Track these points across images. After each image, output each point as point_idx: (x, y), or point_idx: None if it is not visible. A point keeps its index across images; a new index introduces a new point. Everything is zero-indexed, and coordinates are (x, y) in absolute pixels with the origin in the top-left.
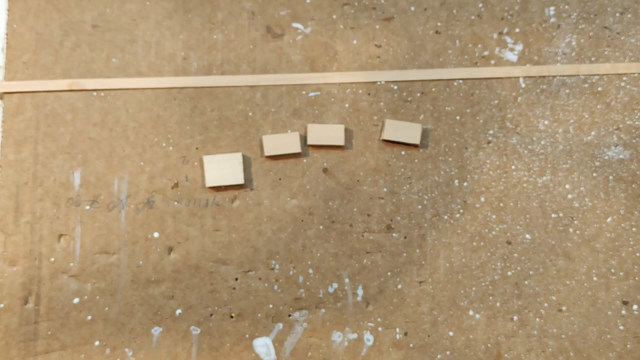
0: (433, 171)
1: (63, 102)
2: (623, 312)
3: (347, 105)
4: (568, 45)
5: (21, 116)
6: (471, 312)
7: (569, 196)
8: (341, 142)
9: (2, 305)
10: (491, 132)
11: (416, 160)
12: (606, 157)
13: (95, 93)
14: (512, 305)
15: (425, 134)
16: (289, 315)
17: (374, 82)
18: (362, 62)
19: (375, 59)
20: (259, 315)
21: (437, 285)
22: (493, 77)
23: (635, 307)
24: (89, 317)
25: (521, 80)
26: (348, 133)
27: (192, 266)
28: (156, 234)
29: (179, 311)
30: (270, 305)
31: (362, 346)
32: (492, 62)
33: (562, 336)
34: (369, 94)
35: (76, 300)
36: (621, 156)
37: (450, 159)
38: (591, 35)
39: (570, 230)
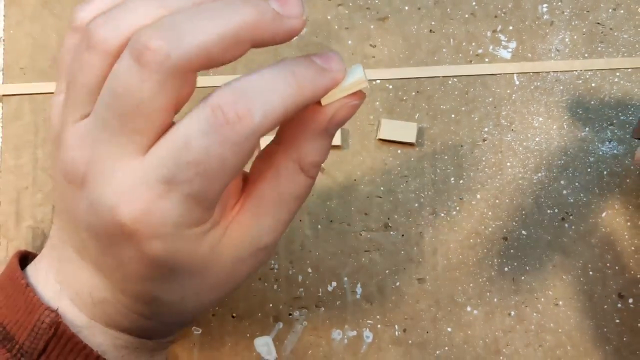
0: (429, 169)
1: None
2: (619, 305)
3: None
4: (561, 41)
5: (20, 121)
6: (469, 308)
7: (564, 192)
8: (338, 141)
9: None
10: (486, 129)
11: (412, 159)
12: (600, 153)
13: None
14: (510, 301)
15: (421, 132)
16: (289, 314)
17: (370, 82)
18: (357, 62)
19: (370, 58)
20: (260, 314)
21: (435, 282)
22: (487, 74)
23: (631, 300)
24: None
25: (515, 77)
26: (345, 133)
27: None
28: None
29: None
30: (271, 305)
31: (361, 343)
32: (486, 59)
33: (559, 330)
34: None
35: None
36: (615, 151)
37: (446, 157)
38: (584, 31)
39: (566, 225)
